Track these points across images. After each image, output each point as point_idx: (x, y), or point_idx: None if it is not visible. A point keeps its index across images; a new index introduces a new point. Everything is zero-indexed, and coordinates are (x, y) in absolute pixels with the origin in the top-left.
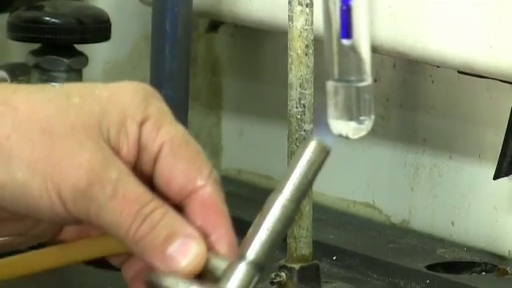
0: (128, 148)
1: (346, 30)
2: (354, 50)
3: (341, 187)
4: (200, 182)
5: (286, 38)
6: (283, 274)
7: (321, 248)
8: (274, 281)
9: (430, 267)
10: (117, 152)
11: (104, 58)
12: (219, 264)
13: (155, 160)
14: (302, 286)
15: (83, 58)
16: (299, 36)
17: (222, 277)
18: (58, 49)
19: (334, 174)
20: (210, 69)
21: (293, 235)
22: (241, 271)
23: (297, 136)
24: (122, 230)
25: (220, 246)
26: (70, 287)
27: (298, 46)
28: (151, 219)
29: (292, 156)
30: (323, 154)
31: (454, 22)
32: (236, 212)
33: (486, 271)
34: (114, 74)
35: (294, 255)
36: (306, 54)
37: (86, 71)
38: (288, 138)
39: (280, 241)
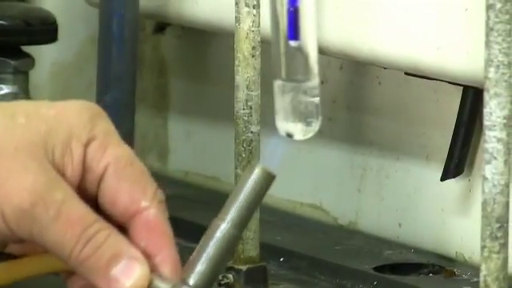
0: (73, 168)
1: (294, 31)
2: (301, 51)
3: (288, 189)
4: (144, 204)
5: (233, 39)
6: (230, 276)
7: (268, 249)
8: (221, 282)
9: (377, 269)
10: (61, 172)
11: (51, 59)
12: (162, 286)
13: (100, 181)
14: (249, 287)
15: (30, 60)
16: (246, 37)
17: None
18: (5, 50)
19: (281, 175)
20: (156, 70)
21: None
22: None
23: (244, 137)
24: (65, 251)
25: (164, 268)
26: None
27: (244, 48)
28: (95, 241)
29: (239, 158)
30: (268, 180)
31: (401, 23)
32: (183, 214)
33: (433, 273)
34: (61, 75)
35: (242, 257)
36: (253, 56)
37: (32, 73)
38: (235, 140)
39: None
